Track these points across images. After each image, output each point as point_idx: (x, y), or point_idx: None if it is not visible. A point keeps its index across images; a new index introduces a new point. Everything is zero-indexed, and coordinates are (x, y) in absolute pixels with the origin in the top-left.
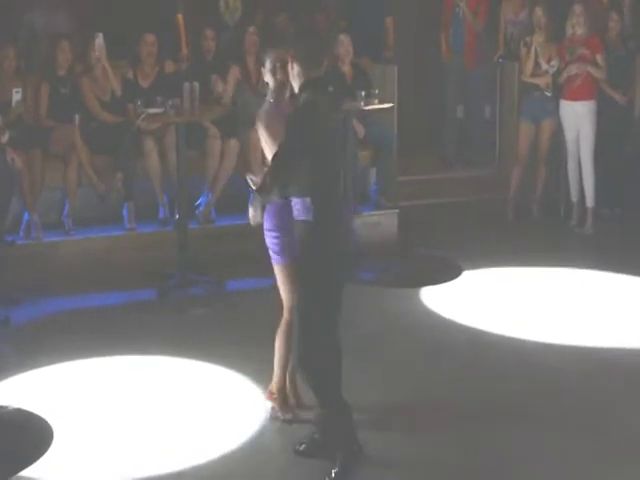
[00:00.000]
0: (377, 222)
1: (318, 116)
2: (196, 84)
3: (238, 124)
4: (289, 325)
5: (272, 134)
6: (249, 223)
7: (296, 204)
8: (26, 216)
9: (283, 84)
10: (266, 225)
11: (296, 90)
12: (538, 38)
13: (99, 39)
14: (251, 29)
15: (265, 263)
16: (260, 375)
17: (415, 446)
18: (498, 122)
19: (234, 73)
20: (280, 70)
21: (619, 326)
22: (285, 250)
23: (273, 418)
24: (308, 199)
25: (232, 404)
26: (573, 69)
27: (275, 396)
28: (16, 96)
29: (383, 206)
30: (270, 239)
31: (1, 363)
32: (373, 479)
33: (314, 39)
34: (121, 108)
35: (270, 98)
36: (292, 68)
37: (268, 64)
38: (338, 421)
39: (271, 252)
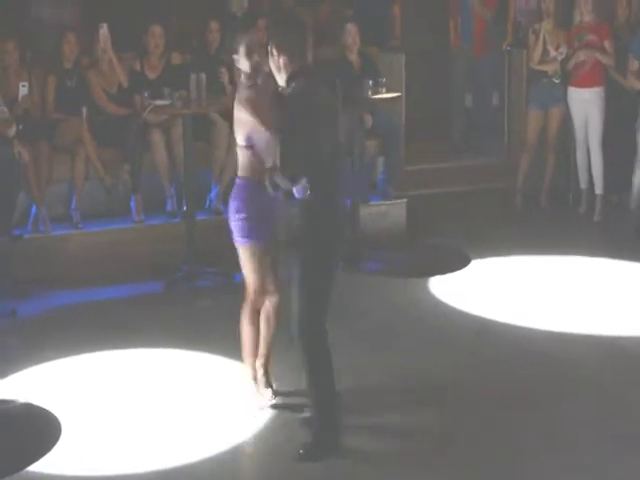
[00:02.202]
0: (385, 212)
1: (310, 101)
2: (203, 75)
3: None
4: (256, 307)
5: (260, 116)
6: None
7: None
8: (34, 210)
9: (259, 65)
10: (233, 206)
11: (281, 80)
12: (546, 25)
13: (103, 29)
14: (260, 22)
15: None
16: None
17: (419, 432)
18: (506, 110)
19: None
20: (256, 53)
21: (628, 314)
22: (252, 232)
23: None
24: (304, 180)
25: (240, 396)
26: (581, 56)
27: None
28: (22, 90)
29: (391, 196)
30: (236, 221)
31: (9, 357)
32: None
33: (296, 30)
34: (128, 100)
35: (247, 83)
36: (278, 59)
37: (243, 49)
38: (324, 403)
39: (236, 234)
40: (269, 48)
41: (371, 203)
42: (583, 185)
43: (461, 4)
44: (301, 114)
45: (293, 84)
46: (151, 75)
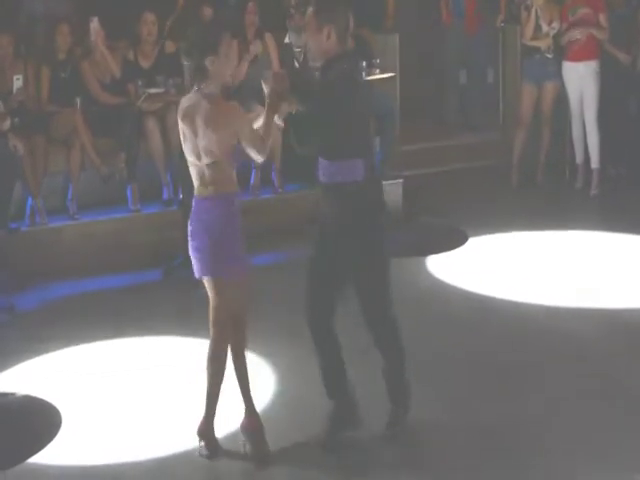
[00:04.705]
0: None
1: (355, 84)
2: None
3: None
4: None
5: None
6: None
7: (336, 167)
8: (30, 202)
9: None
10: (214, 230)
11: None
12: (538, 1)
13: (94, 23)
14: (250, 5)
15: (269, 240)
16: (265, 351)
17: (418, 414)
18: (501, 86)
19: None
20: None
21: (627, 287)
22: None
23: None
24: (359, 161)
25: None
26: (576, 34)
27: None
28: (17, 83)
29: (387, 176)
30: (221, 247)
31: (7, 350)
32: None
33: (347, 12)
34: (122, 89)
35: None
36: (328, 39)
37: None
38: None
39: (225, 261)
40: (315, 26)
41: None
42: (579, 160)
43: None
44: (348, 97)
45: (337, 66)
46: (145, 64)
